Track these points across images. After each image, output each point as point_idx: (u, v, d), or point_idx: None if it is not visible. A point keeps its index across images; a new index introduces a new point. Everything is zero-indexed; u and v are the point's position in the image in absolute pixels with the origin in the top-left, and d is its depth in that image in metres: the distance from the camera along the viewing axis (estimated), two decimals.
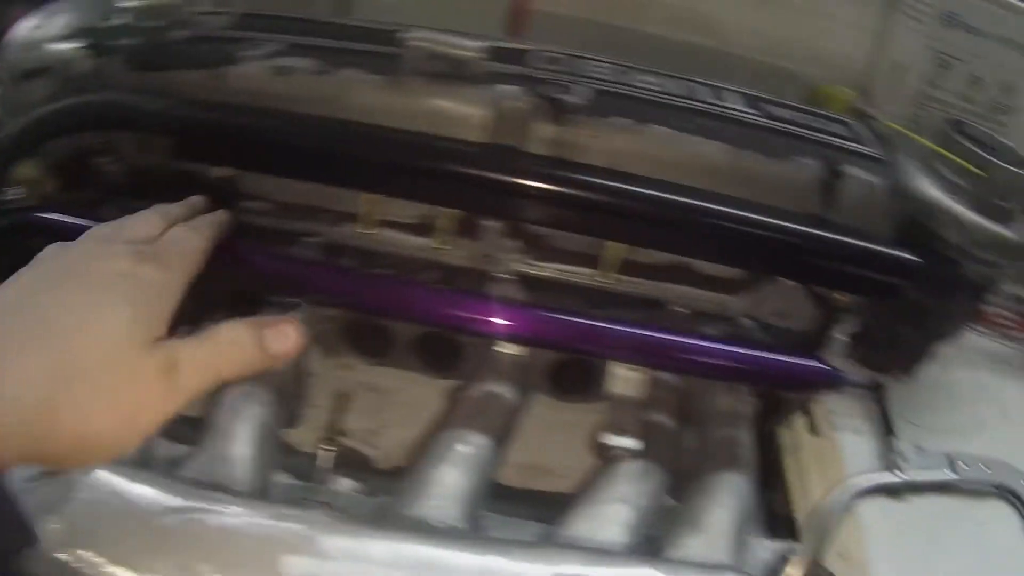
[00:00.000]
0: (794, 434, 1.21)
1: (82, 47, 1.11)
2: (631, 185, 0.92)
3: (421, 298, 0.97)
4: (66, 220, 1.08)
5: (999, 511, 1.23)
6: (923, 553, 1.05)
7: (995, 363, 1.58)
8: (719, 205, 0.94)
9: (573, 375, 1.06)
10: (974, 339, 1.62)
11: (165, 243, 0.63)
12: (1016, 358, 1.60)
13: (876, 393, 1.42)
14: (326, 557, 0.70)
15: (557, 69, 1.04)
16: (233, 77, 1.02)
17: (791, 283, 1.06)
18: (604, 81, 1.03)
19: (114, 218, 0.76)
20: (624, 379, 0.98)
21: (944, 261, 1.23)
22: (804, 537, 0.93)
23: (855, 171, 1.01)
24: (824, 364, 0.99)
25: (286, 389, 0.97)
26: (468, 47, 0.93)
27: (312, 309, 1.04)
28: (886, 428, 1.31)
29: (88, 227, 0.73)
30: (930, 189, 1.19)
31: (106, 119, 1.03)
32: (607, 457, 0.94)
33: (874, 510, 1.17)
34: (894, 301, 1.27)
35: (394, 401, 1.23)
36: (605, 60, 1.09)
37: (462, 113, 0.96)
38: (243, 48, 1.04)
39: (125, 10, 1.11)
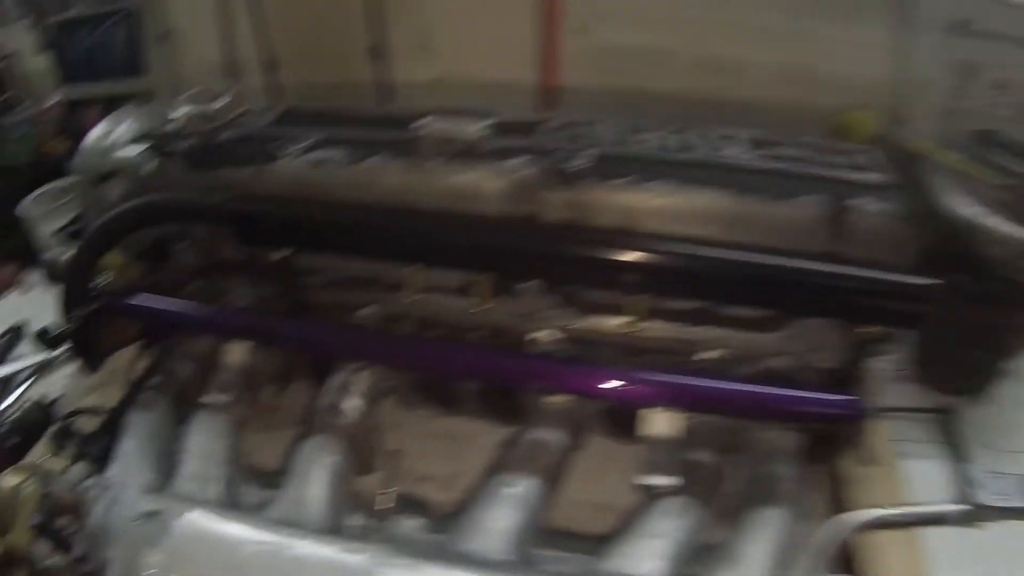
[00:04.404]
0: (854, 465, 1.32)
1: (145, 151, 1.38)
2: (643, 242, 1.08)
3: (474, 359, 1.20)
4: (147, 304, 1.34)
5: None
6: None
7: None
8: (723, 253, 1.08)
9: (625, 417, 1.23)
10: None
11: None
12: None
13: (946, 417, 1.52)
14: None
15: (563, 137, 1.22)
16: (274, 172, 1.25)
17: (820, 320, 1.17)
18: (608, 143, 1.20)
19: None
20: (657, 421, 1.10)
21: (992, 277, 1.32)
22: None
23: (864, 202, 1.11)
24: (850, 397, 1.10)
25: (357, 441, 1.19)
26: (472, 129, 1.13)
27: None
28: (957, 453, 1.39)
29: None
30: (964, 207, 1.29)
31: (172, 215, 1.28)
32: (647, 495, 1.08)
33: (941, 537, 1.23)
34: (952, 321, 1.36)
35: (470, 448, 1.44)
36: (610, 122, 1.26)
37: (478, 188, 1.15)
38: (281, 146, 1.27)
39: (178, 117, 1.37)
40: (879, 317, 1.11)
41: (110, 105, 2.22)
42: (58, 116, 2.43)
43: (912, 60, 1.61)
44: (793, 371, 1.20)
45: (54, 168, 2.31)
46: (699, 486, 1.10)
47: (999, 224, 1.23)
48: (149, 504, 1.11)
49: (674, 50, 1.71)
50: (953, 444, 1.39)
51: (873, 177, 1.18)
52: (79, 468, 1.24)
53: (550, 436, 1.15)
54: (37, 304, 2.14)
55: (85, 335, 1.36)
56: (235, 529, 1.05)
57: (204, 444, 1.21)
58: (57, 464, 1.25)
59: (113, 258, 1.37)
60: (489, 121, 1.14)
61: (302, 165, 1.23)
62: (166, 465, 1.22)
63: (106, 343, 1.43)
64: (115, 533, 1.09)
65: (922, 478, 1.34)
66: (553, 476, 1.12)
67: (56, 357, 1.92)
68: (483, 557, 0.98)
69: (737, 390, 1.12)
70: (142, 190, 1.36)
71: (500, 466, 1.12)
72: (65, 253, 1.49)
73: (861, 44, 1.63)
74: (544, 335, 1.21)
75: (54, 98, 2.46)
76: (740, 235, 1.11)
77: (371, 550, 0.98)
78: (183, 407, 1.33)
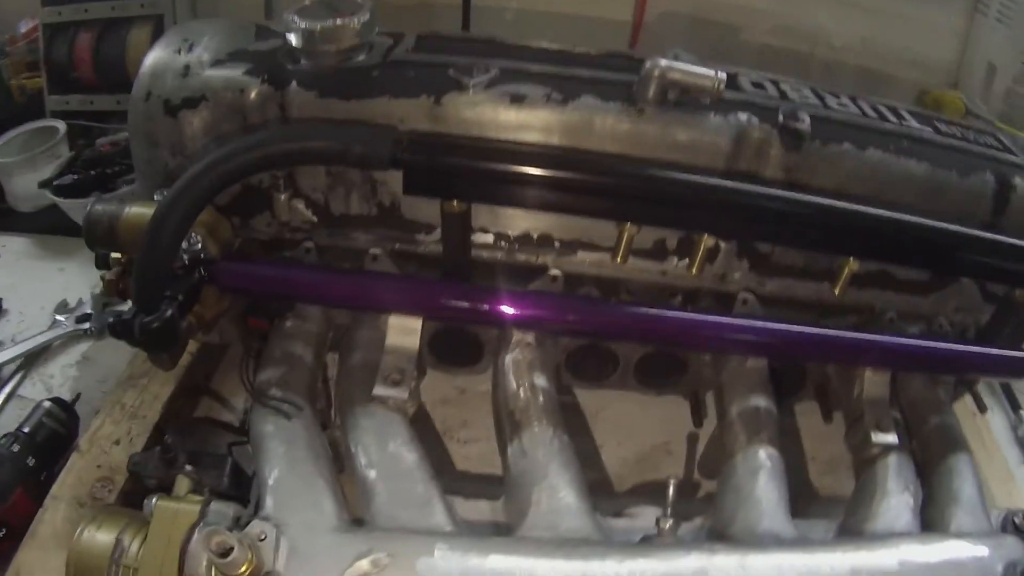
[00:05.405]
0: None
1: (247, 73, 1.08)
2: (866, 210, 1.04)
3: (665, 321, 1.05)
4: (252, 268, 1.08)
5: None
6: None
7: None
8: (924, 222, 1.06)
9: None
10: None
11: None
12: None
13: None
14: None
15: (770, 95, 1.12)
16: (458, 105, 1.03)
17: (967, 284, 1.22)
18: (812, 105, 1.14)
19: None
20: (875, 381, 1.12)
21: None
22: None
23: (1021, 182, 1.16)
24: None
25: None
26: (711, 77, 0.99)
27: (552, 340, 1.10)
28: (1013, 403, 1.53)
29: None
30: None
31: (324, 153, 1.00)
32: (867, 455, 1.07)
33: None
34: None
35: (601, 420, 1.31)
36: (795, 82, 1.20)
37: (705, 142, 1.04)
38: (461, 74, 1.04)
39: (292, 32, 1.07)
40: None
41: (107, 32, 1.77)
42: (34, 45, 1.88)
43: (984, 46, 1.70)
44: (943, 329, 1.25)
45: (28, 107, 1.86)
46: (903, 440, 1.11)
47: None
48: (357, 548, 0.81)
49: (762, 9, 1.73)
50: (1010, 394, 1.56)
51: (1020, 159, 1.22)
52: (218, 509, 0.86)
53: (763, 403, 1.08)
54: (13, 273, 1.64)
55: (176, 321, 0.99)
56: (509, 563, 0.80)
57: (394, 455, 0.94)
58: (186, 504, 0.87)
59: (204, 213, 1.05)
60: (725, 70, 1.00)
61: (496, 99, 1.02)
62: (340, 489, 0.93)
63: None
64: None
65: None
66: (779, 443, 1.06)
67: (51, 341, 1.50)
68: (783, 536, 0.90)
69: (939, 348, 1.14)
70: (246, 122, 1.07)
71: (734, 440, 1.03)
72: (104, 207, 1.07)
73: (936, 25, 1.73)
74: (748, 298, 1.13)
75: (29, 22, 1.90)
76: (934, 204, 1.11)
77: (684, 555, 0.83)
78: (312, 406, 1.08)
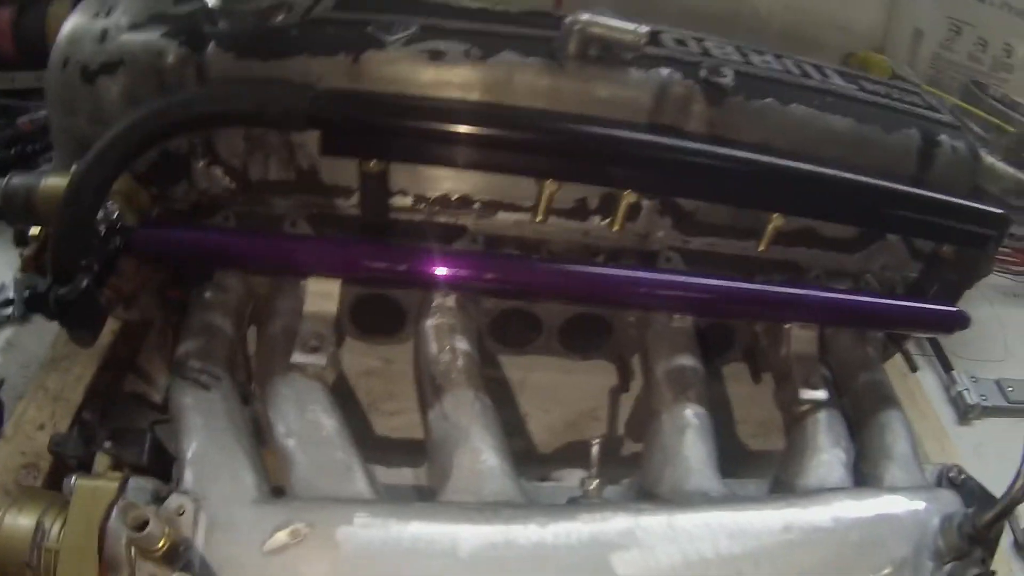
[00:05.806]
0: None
1: (165, 35, 1.03)
2: (782, 160, 1.04)
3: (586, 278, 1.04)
4: (171, 233, 1.04)
5: None
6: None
7: (1005, 296, 1.86)
8: (851, 177, 1.07)
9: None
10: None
11: None
12: (1019, 289, 1.89)
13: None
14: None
15: (693, 51, 1.11)
16: (377, 63, 1.00)
17: (894, 241, 1.23)
18: (735, 62, 1.13)
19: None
20: (803, 338, 1.12)
21: None
22: None
23: (946, 139, 1.18)
24: (959, 310, 1.18)
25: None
26: (632, 31, 0.98)
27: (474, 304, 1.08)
28: (945, 363, 1.56)
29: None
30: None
31: (239, 115, 0.97)
32: (796, 412, 1.07)
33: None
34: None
35: (526, 389, 1.28)
36: (718, 40, 1.20)
37: (626, 96, 1.02)
38: (379, 31, 1.01)
39: None
40: (957, 238, 1.17)
41: (28, 6, 1.68)
42: None
43: (911, 11, 1.73)
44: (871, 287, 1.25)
45: None
46: (833, 396, 1.12)
47: (999, 163, 1.35)
48: (276, 519, 0.78)
49: None
50: (941, 354, 1.58)
51: (944, 117, 1.25)
52: (138, 485, 0.82)
53: (690, 362, 1.07)
54: None
55: (93, 292, 0.94)
56: (430, 530, 0.78)
57: (313, 422, 0.91)
58: (105, 482, 0.82)
59: (120, 182, 1.00)
60: (645, 25, 0.99)
61: (414, 56, 1.00)
62: (261, 460, 0.89)
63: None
64: (240, 570, 0.76)
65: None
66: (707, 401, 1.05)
67: None
68: (713, 495, 0.89)
69: (867, 302, 1.16)
70: (164, 86, 1.03)
71: (659, 399, 1.02)
72: (21, 179, 1.02)
73: None
74: (672, 256, 1.12)
75: None
76: (860, 160, 1.11)
77: (610, 515, 0.82)
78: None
